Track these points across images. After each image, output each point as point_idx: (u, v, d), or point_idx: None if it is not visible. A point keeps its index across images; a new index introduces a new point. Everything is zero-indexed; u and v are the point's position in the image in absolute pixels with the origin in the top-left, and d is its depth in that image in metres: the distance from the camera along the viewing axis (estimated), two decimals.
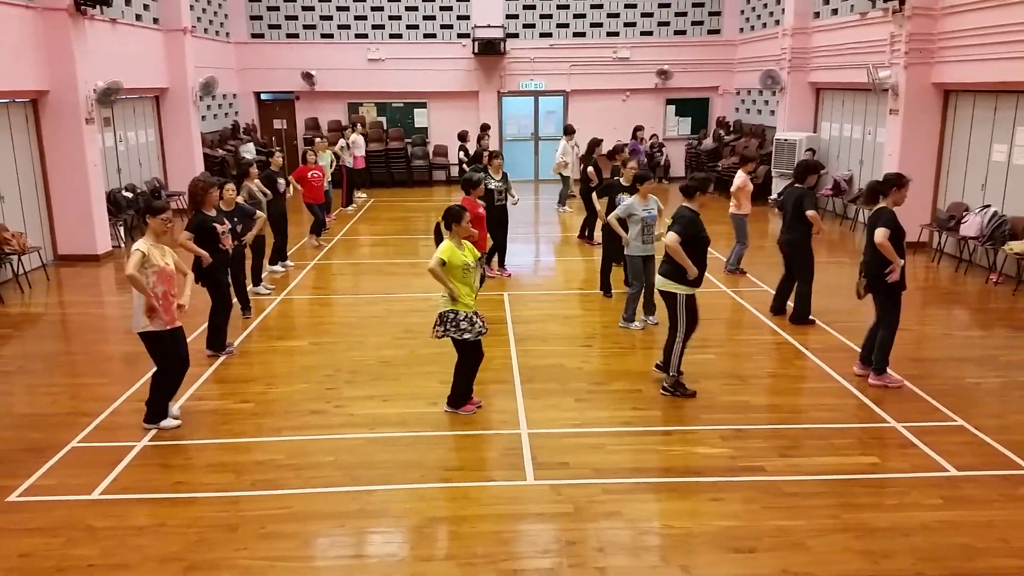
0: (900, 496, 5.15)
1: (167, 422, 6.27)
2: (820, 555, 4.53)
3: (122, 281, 11.44)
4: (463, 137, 16.61)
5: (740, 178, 10.57)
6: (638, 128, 18.37)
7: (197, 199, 7.63)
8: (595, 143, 13.45)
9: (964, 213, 11.30)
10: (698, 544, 4.65)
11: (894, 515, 4.92)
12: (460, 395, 6.48)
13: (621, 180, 9.40)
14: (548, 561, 4.52)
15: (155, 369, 6.28)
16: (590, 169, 12.84)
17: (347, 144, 16.81)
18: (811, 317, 8.66)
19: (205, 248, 7.56)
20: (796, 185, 8.76)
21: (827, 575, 4.35)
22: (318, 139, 14.81)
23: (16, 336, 8.85)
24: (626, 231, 8.29)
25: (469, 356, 6.35)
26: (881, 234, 6.63)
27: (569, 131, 16.24)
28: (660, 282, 6.76)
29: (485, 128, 16.92)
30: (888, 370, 6.99)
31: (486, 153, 11.92)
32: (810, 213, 8.38)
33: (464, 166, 15.88)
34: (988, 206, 10.94)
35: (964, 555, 4.52)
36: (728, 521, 4.87)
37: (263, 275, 10.38)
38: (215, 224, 7.67)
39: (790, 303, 8.92)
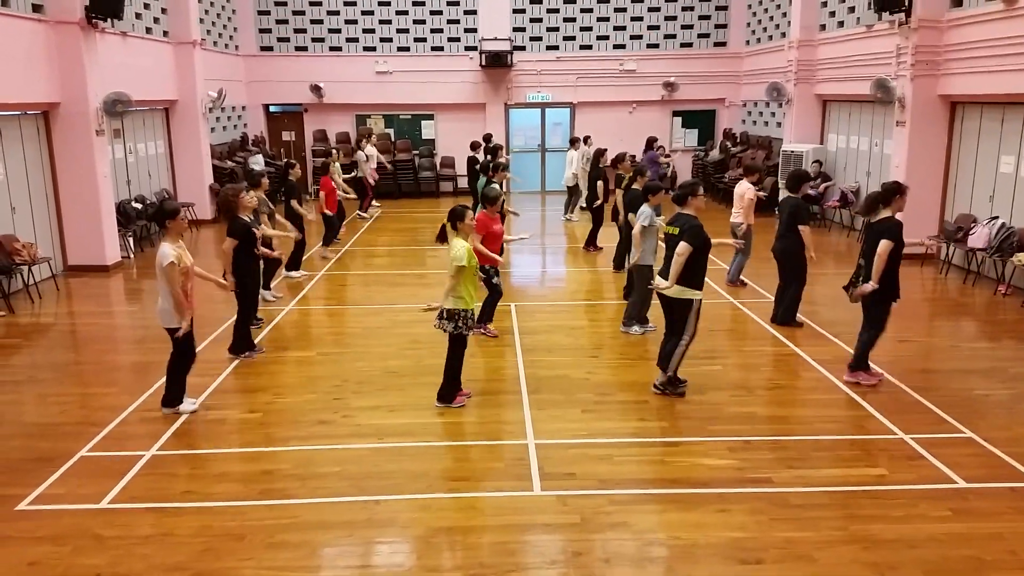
0: (907, 508, 5.13)
1: (186, 405, 6.69)
2: (827, 567, 4.51)
3: (131, 291, 11.53)
4: (475, 147, 16.66)
5: (742, 187, 10.55)
6: (652, 139, 18.26)
7: (232, 205, 7.96)
8: (599, 154, 13.48)
9: (972, 225, 11.28)
10: (704, 555, 4.64)
11: (901, 527, 4.90)
12: (454, 389, 6.77)
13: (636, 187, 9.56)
14: (554, 572, 4.51)
15: (172, 356, 6.62)
16: (599, 183, 12.87)
17: (365, 156, 17.07)
18: (799, 319, 9.03)
19: (242, 252, 7.90)
20: (790, 195, 8.93)
21: None
22: (335, 151, 15.18)
23: (26, 346, 8.90)
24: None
25: (462, 350, 6.68)
26: (885, 246, 6.75)
27: (574, 143, 16.28)
28: (677, 290, 6.75)
29: (488, 139, 16.99)
30: (864, 371, 7.22)
31: (501, 162, 11.91)
32: (803, 228, 8.62)
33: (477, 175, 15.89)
34: (996, 218, 10.92)
35: (972, 567, 4.49)
36: (735, 532, 4.86)
37: (273, 282, 10.54)
38: (254, 229, 8.06)
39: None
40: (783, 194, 9.51)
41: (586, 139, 16.60)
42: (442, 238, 6.78)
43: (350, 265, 12.81)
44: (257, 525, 5.00)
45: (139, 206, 14.04)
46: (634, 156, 14.37)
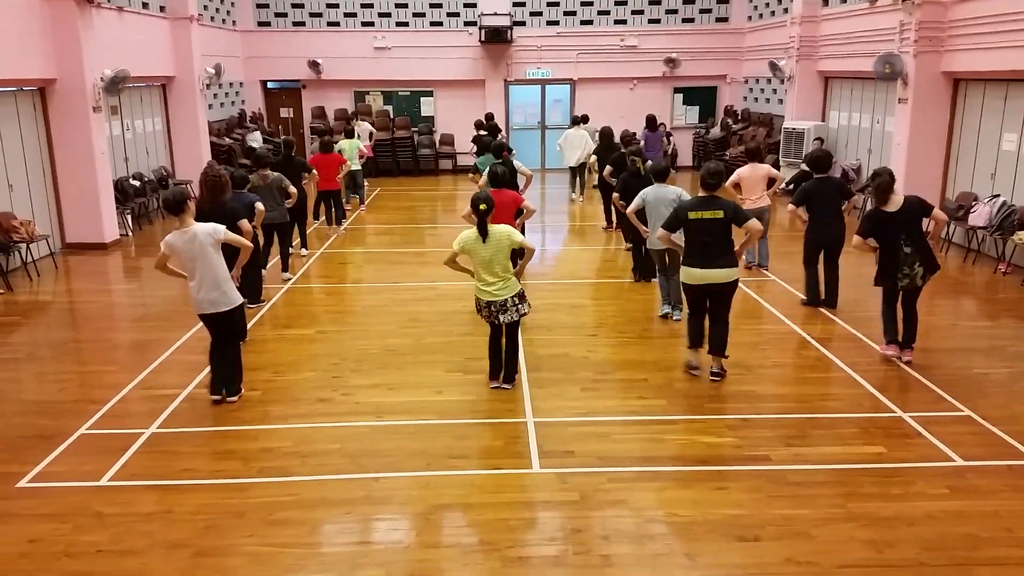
0: (905, 486, 5.15)
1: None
2: (825, 544, 4.53)
3: (130, 269, 11.51)
4: (479, 126, 16.48)
5: (762, 170, 10.32)
6: (652, 117, 17.86)
7: (226, 186, 7.75)
8: (608, 133, 13.22)
9: (973, 202, 11.24)
10: (703, 532, 4.66)
11: (899, 505, 4.92)
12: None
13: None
14: (554, 548, 4.54)
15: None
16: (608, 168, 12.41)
17: (358, 134, 16.91)
18: (815, 300, 8.91)
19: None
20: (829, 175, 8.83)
21: (831, 564, 4.36)
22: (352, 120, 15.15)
23: (25, 324, 8.90)
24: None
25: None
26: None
27: (576, 121, 16.12)
28: (733, 273, 6.63)
29: (490, 117, 16.82)
30: (887, 343, 7.29)
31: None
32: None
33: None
34: (997, 196, 10.88)
35: (969, 545, 4.52)
36: (733, 510, 4.88)
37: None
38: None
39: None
40: (786, 172, 9.37)
41: (584, 117, 16.45)
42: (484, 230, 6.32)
43: (349, 243, 12.77)
44: (257, 502, 5.02)
45: (137, 183, 13.98)
46: (634, 134, 14.24)
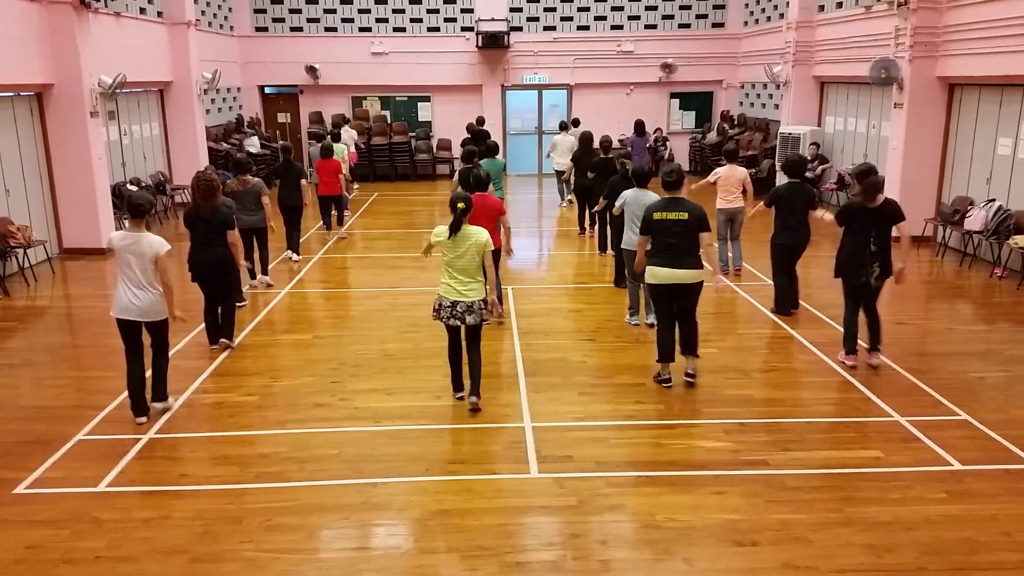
0: (903, 490, 5.15)
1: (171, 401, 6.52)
2: (823, 549, 4.53)
3: None
4: (469, 129, 16.46)
5: (740, 172, 10.39)
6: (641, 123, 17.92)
7: (218, 189, 7.83)
8: (588, 138, 13.16)
9: (968, 207, 11.27)
10: (700, 537, 4.66)
11: (897, 509, 4.93)
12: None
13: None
14: (551, 554, 4.54)
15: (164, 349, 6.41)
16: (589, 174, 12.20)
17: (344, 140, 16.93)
18: (785, 308, 8.82)
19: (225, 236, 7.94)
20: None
21: (830, 569, 4.36)
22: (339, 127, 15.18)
23: (22, 329, 8.88)
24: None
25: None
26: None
27: (563, 127, 16.12)
28: (699, 273, 6.68)
29: (480, 122, 16.79)
30: (847, 353, 7.37)
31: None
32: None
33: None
34: (993, 200, 10.92)
35: (967, 549, 4.52)
36: (730, 514, 4.88)
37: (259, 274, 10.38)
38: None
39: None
40: (781, 178, 9.43)
41: (575, 122, 16.48)
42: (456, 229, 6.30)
43: (347, 248, 12.78)
44: (255, 508, 5.01)
45: (134, 188, 13.96)
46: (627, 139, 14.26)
